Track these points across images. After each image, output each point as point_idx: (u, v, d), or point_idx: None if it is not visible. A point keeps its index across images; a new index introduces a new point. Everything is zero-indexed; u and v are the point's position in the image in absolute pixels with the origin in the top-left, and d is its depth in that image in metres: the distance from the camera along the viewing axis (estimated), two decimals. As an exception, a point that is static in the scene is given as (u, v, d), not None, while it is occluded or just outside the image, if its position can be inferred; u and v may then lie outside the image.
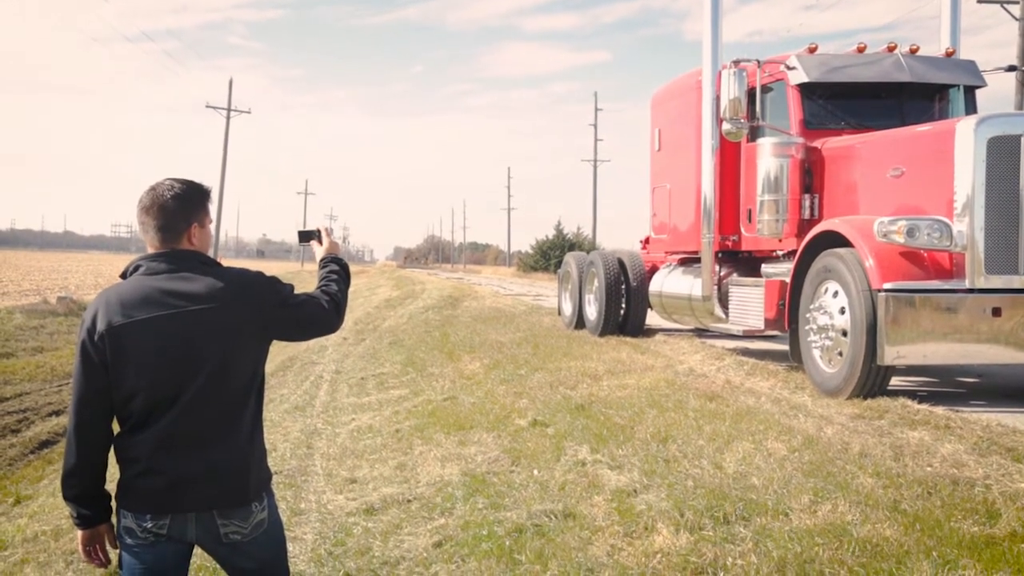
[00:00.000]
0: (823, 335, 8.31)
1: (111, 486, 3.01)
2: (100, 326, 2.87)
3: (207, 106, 55.18)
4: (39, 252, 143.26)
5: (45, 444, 12.57)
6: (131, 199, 3.04)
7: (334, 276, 3.37)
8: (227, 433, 2.91)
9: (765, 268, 10.35)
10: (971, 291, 7.60)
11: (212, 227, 3.16)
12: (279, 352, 18.18)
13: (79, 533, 3.04)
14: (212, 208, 3.13)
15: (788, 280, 9.13)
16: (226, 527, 2.93)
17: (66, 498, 3.01)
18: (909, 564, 4.07)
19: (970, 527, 4.49)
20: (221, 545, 2.97)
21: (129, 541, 2.94)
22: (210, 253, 3.12)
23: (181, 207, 2.98)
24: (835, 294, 8.20)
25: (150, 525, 2.89)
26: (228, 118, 55.08)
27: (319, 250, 3.56)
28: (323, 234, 3.59)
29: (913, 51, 10.16)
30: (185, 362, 2.85)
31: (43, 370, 17.98)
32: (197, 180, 3.08)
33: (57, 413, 14.36)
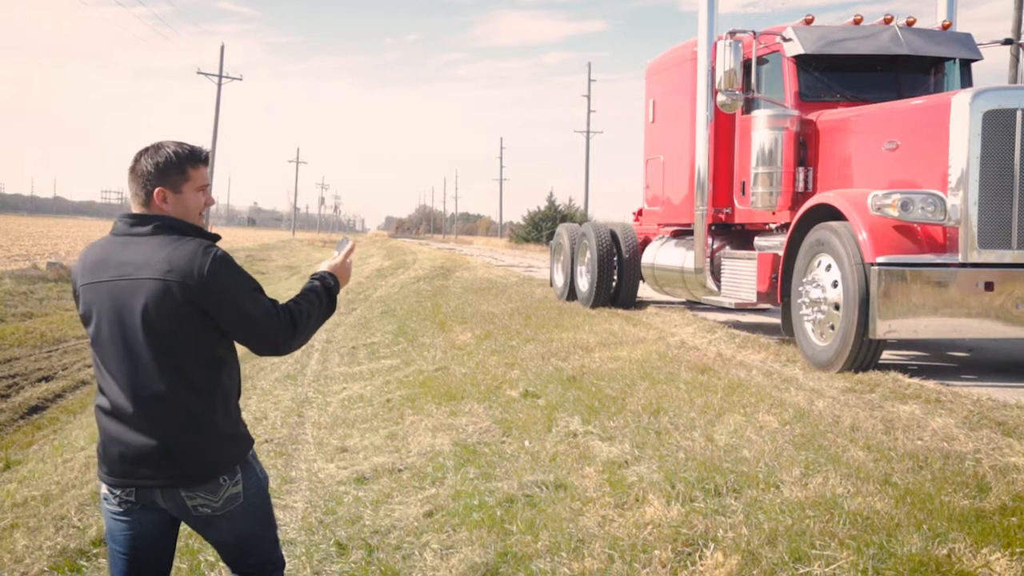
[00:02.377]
0: (815, 308, 8.30)
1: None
2: (76, 284, 2.92)
3: (198, 72, 54.65)
4: (28, 217, 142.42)
5: (35, 409, 12.54)
6: (121, 165, 2.96)
7: (312, 296, 3.07)
8: (178, 409, 2.81)
9: (758, 241, 10.32)
10: (964, 265, 7.59)
11: (200, 195, 2.98)
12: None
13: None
14: (203, 173, 2.99)
15: (781, 253, 9.11)
16: (192, 500, 2.86)
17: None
18: (899, 537, 4.08)
19: (960, 500, 4.49)
20: (192, 518, 2.92)
21: (107, 507, 2.94)
22: (202, 221, 3.04)
23: (151, 171, 2.88)
24: (828, 267, 8.18)
25: (119, 492, 2.88)
26: (219, 85, 54.60)
27: (327, 262, 3.30)
28: (345, 251, 3.35)
29: (910, 23, 10.09)
30: (128, 332, 2.78)
31: (33, 336, 17.91)
32: (193, 144, 2.99)
33: (47, 378, 14.32)
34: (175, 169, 2.90)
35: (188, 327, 2.78)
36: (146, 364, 2.77)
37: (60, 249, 45.93)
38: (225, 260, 2.83)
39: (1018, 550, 3.87)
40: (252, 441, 3.07)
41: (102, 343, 2.83)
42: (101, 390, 2.88)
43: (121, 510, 2.90)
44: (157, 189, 2.87)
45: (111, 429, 2.84)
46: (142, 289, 2.75)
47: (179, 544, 3.21)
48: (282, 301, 3.03)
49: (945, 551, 3.92)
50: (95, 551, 5.11)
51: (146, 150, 2.93)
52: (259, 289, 2.91)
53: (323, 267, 3.23)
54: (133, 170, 2.90)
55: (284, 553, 4.84)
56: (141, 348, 2.77)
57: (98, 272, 2.84)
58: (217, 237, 2.99)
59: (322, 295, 3.09)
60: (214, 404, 2.88)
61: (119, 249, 2.84)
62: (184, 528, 3.14)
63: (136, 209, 2.91)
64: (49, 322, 19.66)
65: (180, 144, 2.97)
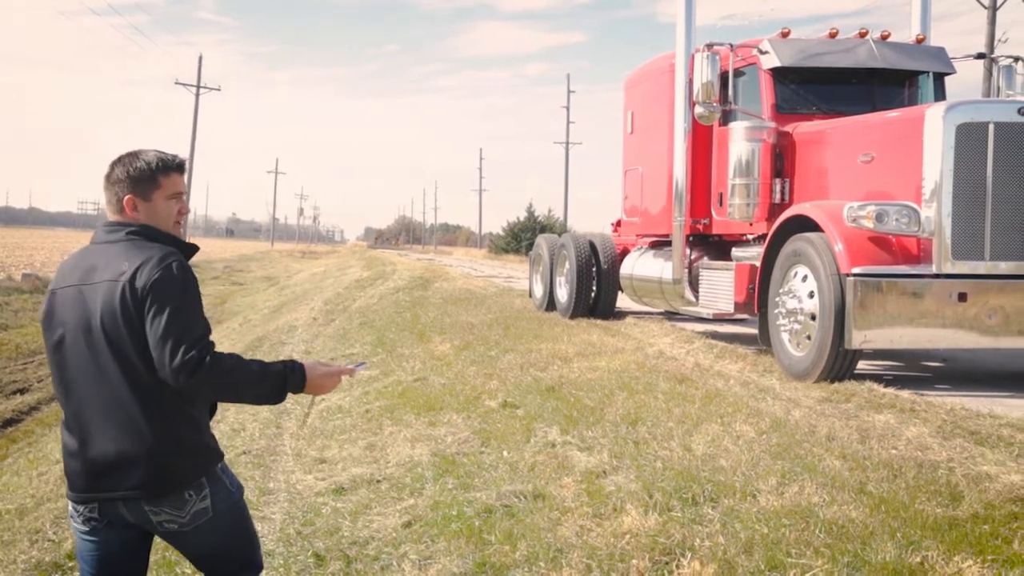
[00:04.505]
0: (792, 319, 8.37)
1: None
2: (49, 288, 2.89)
3: (176, 83, 54.61)
4: (3, 228, 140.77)
5: (9, 423, 12.42)
6: (99, 176, 2.94)
7: (256, 368, 2.80)
8: (135, 419, 2.72)
9: (735, 252, 10.39)
10: (938, 276, 7.68)
11: (172, 203, 2.93)
12: (248, 332, 18.06)
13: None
14: (175, 181, 2.93)
15: (758, 264, 9.17)
16: (157, 515, 2.78)
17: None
18: (874, 545, 4.12)
19: (933, 509, 4.54)
20: (159, 533, 2.87)
21: (75, 525, 2.88)
22: (177, 229, 2.96)
23: (122, 178, 2.87)
24: (804, 278, 8.26)
25: (82, 509, 2.82)
26: (197, 95, 54.52)
27: (316, 367, 2.97)
28: (345, 368, 3.12)
29: (884, 37, 10.21)
30: (89, 337, 2.73)
31: (7, 348, 17.77)
32: (167, 152, 2.95)
33: (22, 391, 14.20)
34: (146, 177, 2.87)
35: (139, 333, 2.69)
36: (105, 370, 2.72)
37: (35, 260, 45.48)
38: (175, 269, 2.72)
39: (990, 557, 3.92)
40: (220, 455, 2.97)
41: (64, 349, 2.78)
42: (63, 405, 2.83)
43: (87, 528, 2.83)
44: (127, 196, 2.86)
45: (69, 443, 2.79)
46: (99, 292, 2.72)
47: (155, 557, 3.19)
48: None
49: (918, 559, 3.96)
50: (70, 564, 5.07)
51: (120, 158, 2.92)
52: (195, 313, 2.74)
53: (310, 365, 2.95)
54: (107, 178, 2.89)
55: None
56: (100, 353, 2.71)
57: (67, 277, 2.82)
58: (193, 248, 2.94)
59: (267, 377, 2.82)
60: (175, 415, 2.78)
61: (91, 255, 2.83)
62: (159, 540, 3.12)
63: (112, 217, 2.90)
64: (24, 334, 19.50)
65: (153, 152, 2.93)
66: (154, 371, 2.69)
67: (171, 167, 2.93)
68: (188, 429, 2.82)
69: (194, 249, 2.96)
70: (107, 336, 2.70)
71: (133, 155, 2.91)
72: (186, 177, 3.05)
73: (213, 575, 3.06)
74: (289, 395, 2.90)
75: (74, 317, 2.76)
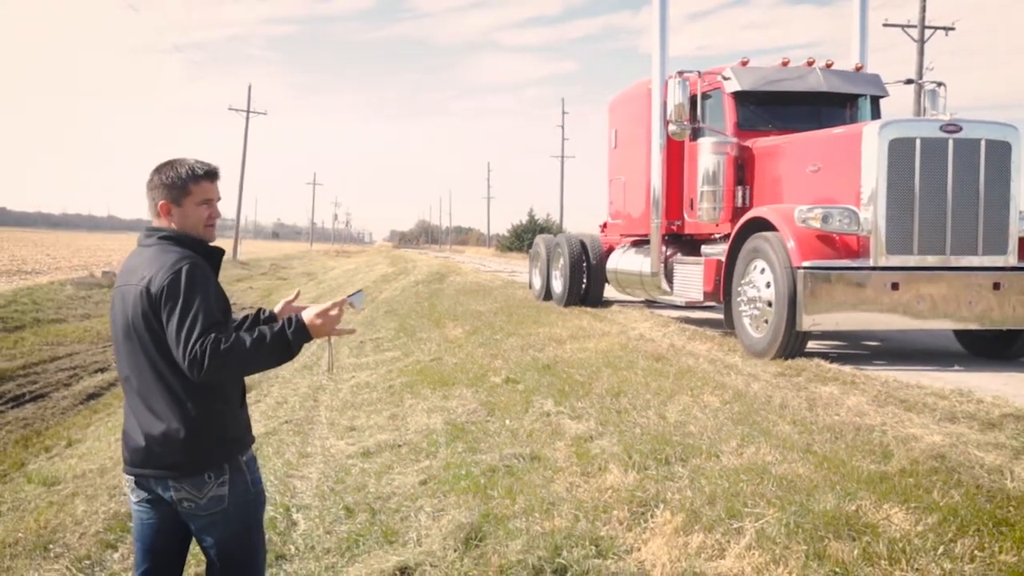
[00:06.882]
0: (752, 306, 8.37)
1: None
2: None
3: (229, 108, 54.44)
4: (86, 233, 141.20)
5: (92, 396, 12.43)
6: None
7: (262, 342, 2.57)
8: (162, 408, 2.59)
9: (704, 249, 10.38)
10: (875, 269, 7.68)
11: (202, 208, 2.74)
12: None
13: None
14: (205, 188, 2.74)
15: (723, 259, 9.16)
16: (179, 492, 2.62)
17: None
18: (818, 496, 4.13)
19: (868, 465, 4.55)
20: (181, 513, 2.68)
21: (129, 496, 2.79)
22: (209, 232, 2.78)
23: (154, 186, 2.73)
24: (762, 271, 8.25)
25: (128, 481, 2.74)
26: (248, 119, 54.40)
27: (309, 310, 2.78)
28: (338, 301, 2.85)
29: (829, 66, 10.18)
30: (124, 333, 2.65)
31: (90, 333, 17.80)
32: (202, 162, 2.77)
33: (102, 370, 14.20)
34: (177, 184, 2.70)
35: (157, 332, 2.58)
36: (139, 364, 2.63)
37: (113, 260, 45.49)
38: (184, 274, 2.56)
39: (913, 505, 3.93)
40: (245, 445, 2.77)
41: (117, 341, 2.72)
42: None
43: (134, 499, 2.74)
44: (161, 202, 2.70)
45: (125, 422, 2.73)
46: (130, 295, 2.63)
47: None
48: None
49: (854, 507, 3.97)
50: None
51: (159, 166, 2.75)
52: (198, 311, 2.52)
53: (308, 315, 2.73)
54: (147, 183, 2.75)
55: (300, 516, 4.84)
56: (134, 348, 2.63)
57: (120, 277, 2.75)
58: (218, 251, 2.80)
59: (266, 340, 2.58)
60: (197, 405, 2.61)
61: (133, 258, 2.74)
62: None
63: (151, 219, 2.78)
64: (104, 322, 19.48)
65: (188, 161, 2.76)
66: (174, 366, 2.57)
67: (200, 176, 2.73)
68: (211, 419, 2.64)
69: (219, 252, 2.80)
70: (137, 334, 2.61)
71: (169, 163, 2.75)
72: (219, 184, 2.81)
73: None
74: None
75: (120, 314, 2.68)
